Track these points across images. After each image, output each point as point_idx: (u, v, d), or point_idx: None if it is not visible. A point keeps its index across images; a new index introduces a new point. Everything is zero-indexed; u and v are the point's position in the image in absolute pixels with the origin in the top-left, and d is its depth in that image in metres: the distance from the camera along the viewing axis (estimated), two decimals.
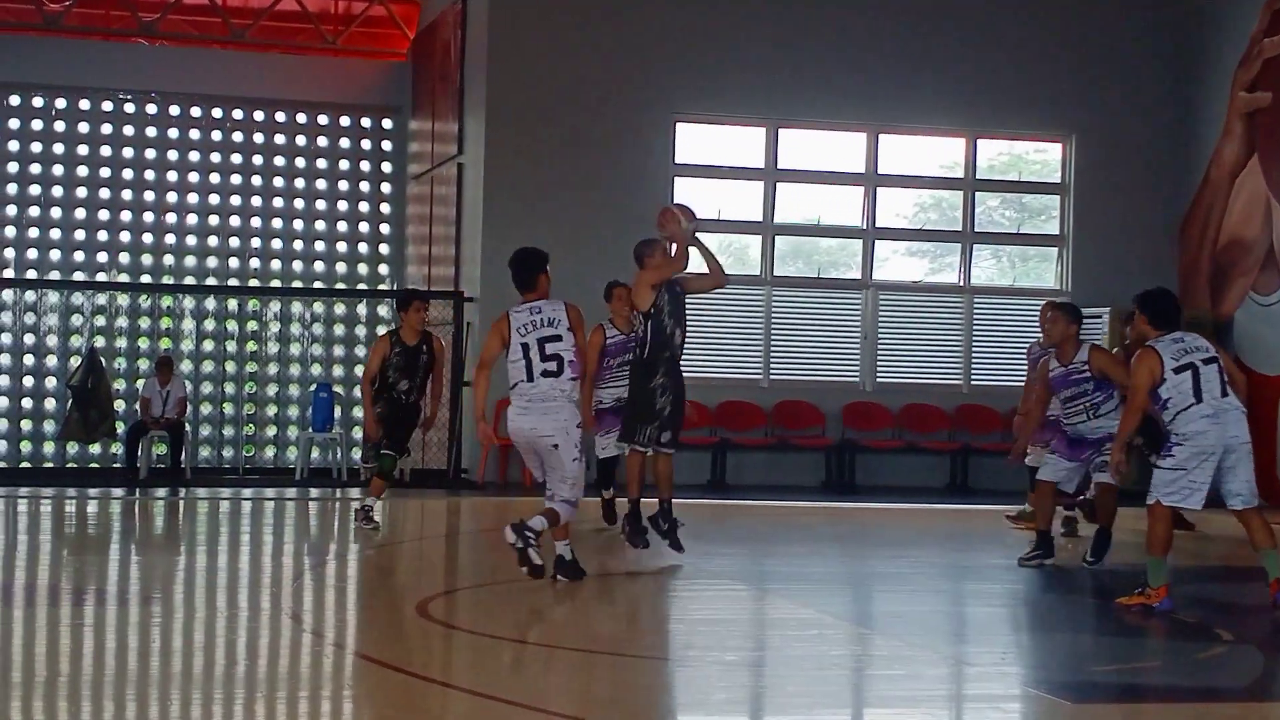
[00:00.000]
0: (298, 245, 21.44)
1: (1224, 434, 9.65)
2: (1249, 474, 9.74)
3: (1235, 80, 18.70)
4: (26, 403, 20.43)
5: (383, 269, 21.74)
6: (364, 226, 21.66)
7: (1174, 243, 19.61)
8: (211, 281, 21.07)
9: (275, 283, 21.08)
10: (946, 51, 19.21)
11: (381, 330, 18.06)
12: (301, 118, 21.50)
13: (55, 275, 20.72)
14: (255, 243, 21.32)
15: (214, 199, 21.26)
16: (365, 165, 21.71)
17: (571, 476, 10.02)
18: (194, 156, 21.27)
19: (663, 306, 10.99)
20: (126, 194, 21.08)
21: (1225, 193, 18.86)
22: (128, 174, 21.10)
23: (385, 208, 21.75)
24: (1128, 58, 19.63)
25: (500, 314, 10.20)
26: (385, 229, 21.74)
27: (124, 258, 21.05)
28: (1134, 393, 9.88)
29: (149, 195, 21.13)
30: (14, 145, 20.87)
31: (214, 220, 21.26)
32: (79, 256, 20.93)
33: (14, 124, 20.89)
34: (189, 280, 21.01)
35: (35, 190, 20.89)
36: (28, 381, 20.42)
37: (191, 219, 21.23)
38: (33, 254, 20.84)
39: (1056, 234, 19.80)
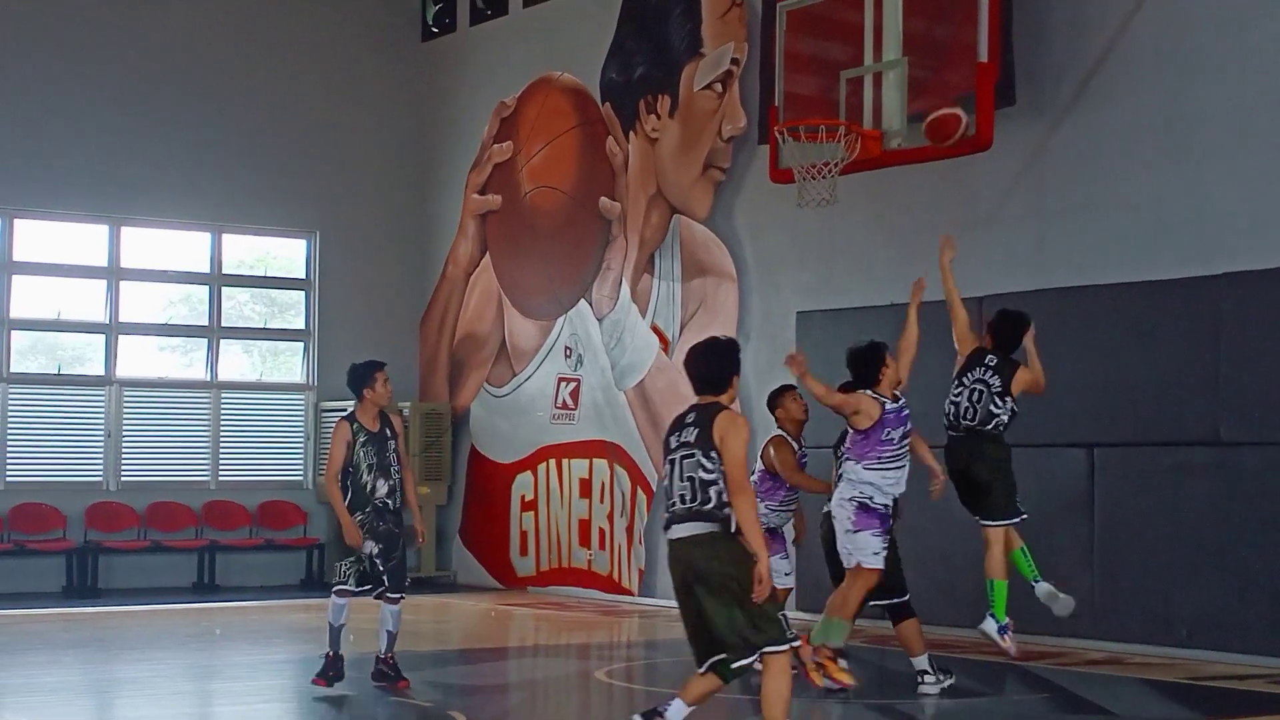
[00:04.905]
0: None
1: None
2: None
3: (468, 183, 19.71)
4: None
5: None
6: None
7: (415, 336, 20.36)
8: None
9: None
10: (191, 147, 19.07)
11: None
12: None
13: None
14: None
15: None
16: None
17: None
18: None
19: None
20: None
21: (461, 289, 19.80)
22: None
23: None
24: (369, 157, 20.23)
25: None
26: None
27: None
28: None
29: None
30: None
31: None
32: None
33: None
34: None
35: None
36: None
37: None
38: None
39: (302, 328, 20.06)
